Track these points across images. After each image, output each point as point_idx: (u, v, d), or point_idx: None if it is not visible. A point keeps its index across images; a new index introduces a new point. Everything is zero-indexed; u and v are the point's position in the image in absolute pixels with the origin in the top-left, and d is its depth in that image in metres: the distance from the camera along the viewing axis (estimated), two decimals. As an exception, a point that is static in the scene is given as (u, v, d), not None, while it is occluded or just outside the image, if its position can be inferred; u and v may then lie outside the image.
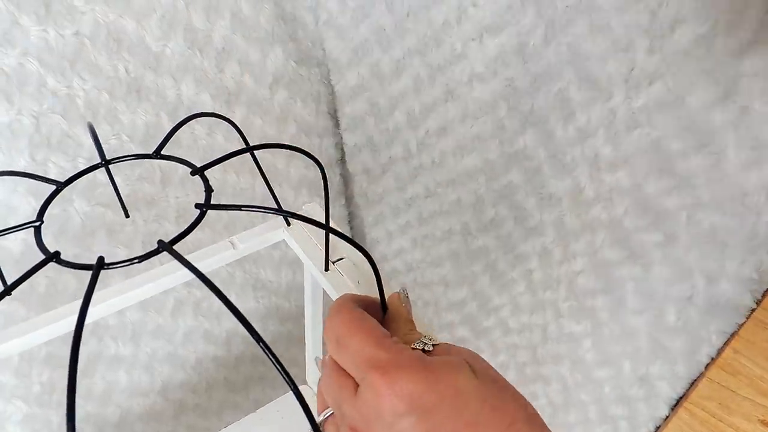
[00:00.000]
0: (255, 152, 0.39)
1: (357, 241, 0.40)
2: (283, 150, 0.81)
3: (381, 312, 0.37)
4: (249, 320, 0.26)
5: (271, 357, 0.26)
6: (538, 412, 0.30)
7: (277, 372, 0.26)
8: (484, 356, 0.32)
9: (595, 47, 0.54)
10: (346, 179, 0.96)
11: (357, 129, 0.84)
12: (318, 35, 0.78)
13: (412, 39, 0.69)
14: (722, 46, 0.46)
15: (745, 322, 0.58)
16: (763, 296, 0.57)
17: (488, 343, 0.89)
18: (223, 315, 0.82)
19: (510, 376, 0.88)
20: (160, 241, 0.29)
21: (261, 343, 0.26)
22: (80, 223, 0.62)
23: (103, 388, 0.74)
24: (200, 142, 0.68)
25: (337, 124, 0.88)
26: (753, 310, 0.58)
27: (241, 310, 0.83)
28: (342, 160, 0.93)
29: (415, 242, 0.90)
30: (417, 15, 0.66)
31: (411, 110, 0.75)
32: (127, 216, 0.45)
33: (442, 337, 1.01)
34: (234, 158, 0.37)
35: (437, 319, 0.95)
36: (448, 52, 0.66)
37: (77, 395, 0.72)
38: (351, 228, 0.99)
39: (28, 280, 0.66)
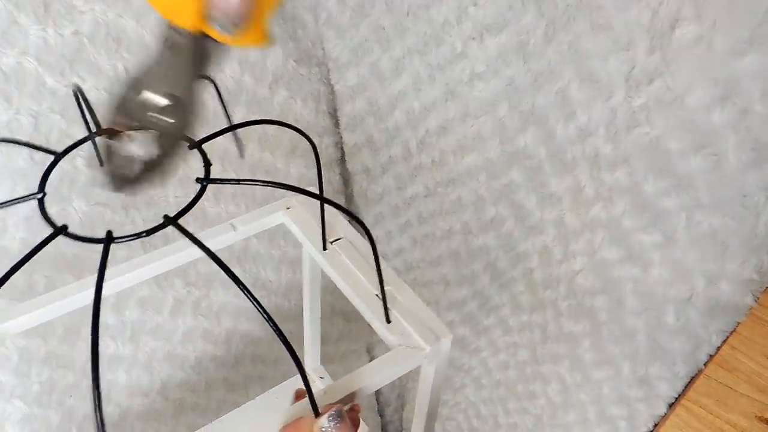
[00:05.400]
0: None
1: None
2: (283, 150, 0.81)
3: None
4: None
5: (277, 332, 0.25)
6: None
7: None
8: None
9: (595, 46, 0.54)
10: (345, 179, 0.96)
11: (357, 128, 0.84)
12: (318, 35, 0.78)
13: (412, 38, 0.69)
14: (722, 46, 0.46)
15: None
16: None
17: (488, 341, 0.89)
18: (223, 314, 0.82)
19: (510, 375, 0.88)
20: (165, 216, 0.29)
21: (270, 321, 0.26)
22: (79, 222, 0.62)
23: (102, 388, 0.74)
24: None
25: (336, 124, 0.87)
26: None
27: (241, 310, 0.83)
28: (342, 160, 0.93)
29: (415, 241, 0.90)
30: (417, 14, 0.66)
31: (411, 109, 0.75)
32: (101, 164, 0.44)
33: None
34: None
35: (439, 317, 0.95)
36: (448, 51, 0.66)
37: (77, 395, 0.72)
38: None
39: (28, 281, 0.66)
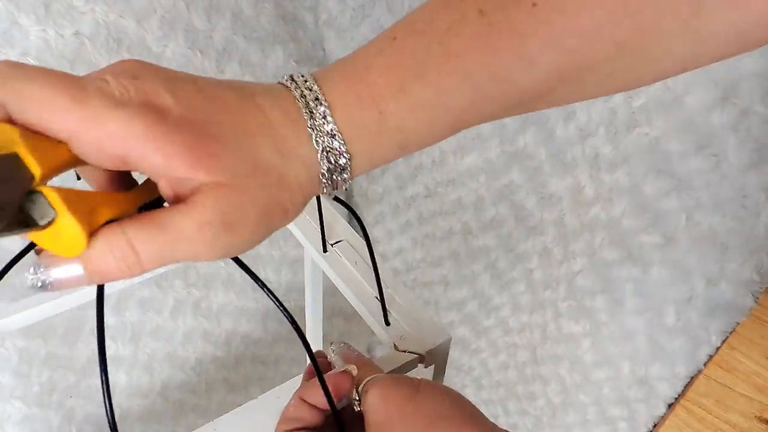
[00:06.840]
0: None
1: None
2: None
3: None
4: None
5: (284, 312, 0.25)
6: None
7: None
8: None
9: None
10: (346, 179, 0.96)
11: (357, 129, 0.84)
12: (318, 35, 0.78)
13: (412, 39, 0.68)
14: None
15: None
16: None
17: (488, 342, 0.89)
18: (223, 315, 0.82)
19: (510, 376, 0.88)
20: None
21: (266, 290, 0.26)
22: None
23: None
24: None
25: (337, 124, 0.87)
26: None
27: (241, 311, 0.84)
28: (342, 160, 0.93)
29: (416, 242, 0.90)
30: (417, 15, 0.66)
31: (411, 110, 0.75)
32: (79, 179, 0.44)
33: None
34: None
35: (437, 319, 0.95)
36: (448, 52, 0.66)
37: (77, 395, 0.72)
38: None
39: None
